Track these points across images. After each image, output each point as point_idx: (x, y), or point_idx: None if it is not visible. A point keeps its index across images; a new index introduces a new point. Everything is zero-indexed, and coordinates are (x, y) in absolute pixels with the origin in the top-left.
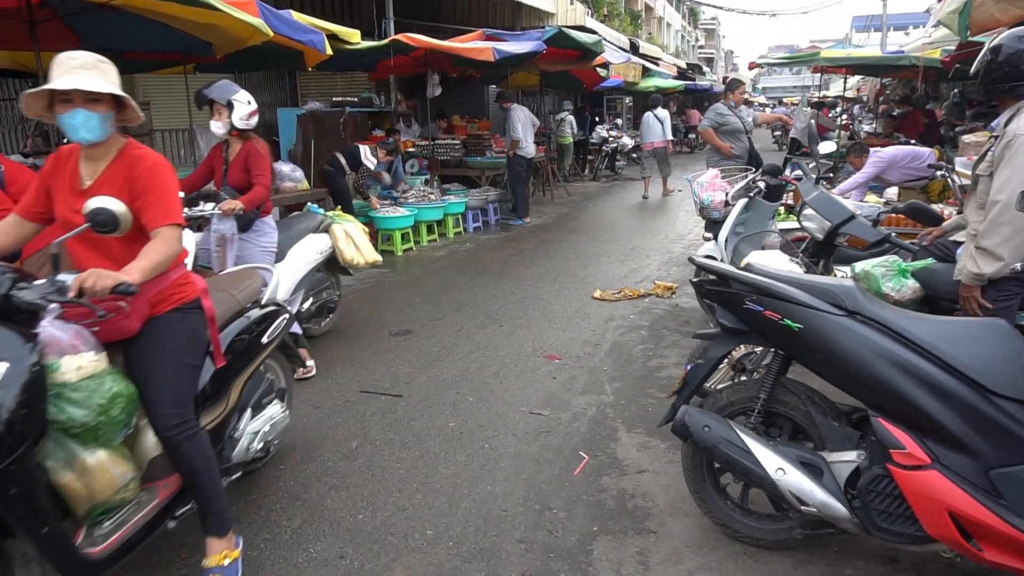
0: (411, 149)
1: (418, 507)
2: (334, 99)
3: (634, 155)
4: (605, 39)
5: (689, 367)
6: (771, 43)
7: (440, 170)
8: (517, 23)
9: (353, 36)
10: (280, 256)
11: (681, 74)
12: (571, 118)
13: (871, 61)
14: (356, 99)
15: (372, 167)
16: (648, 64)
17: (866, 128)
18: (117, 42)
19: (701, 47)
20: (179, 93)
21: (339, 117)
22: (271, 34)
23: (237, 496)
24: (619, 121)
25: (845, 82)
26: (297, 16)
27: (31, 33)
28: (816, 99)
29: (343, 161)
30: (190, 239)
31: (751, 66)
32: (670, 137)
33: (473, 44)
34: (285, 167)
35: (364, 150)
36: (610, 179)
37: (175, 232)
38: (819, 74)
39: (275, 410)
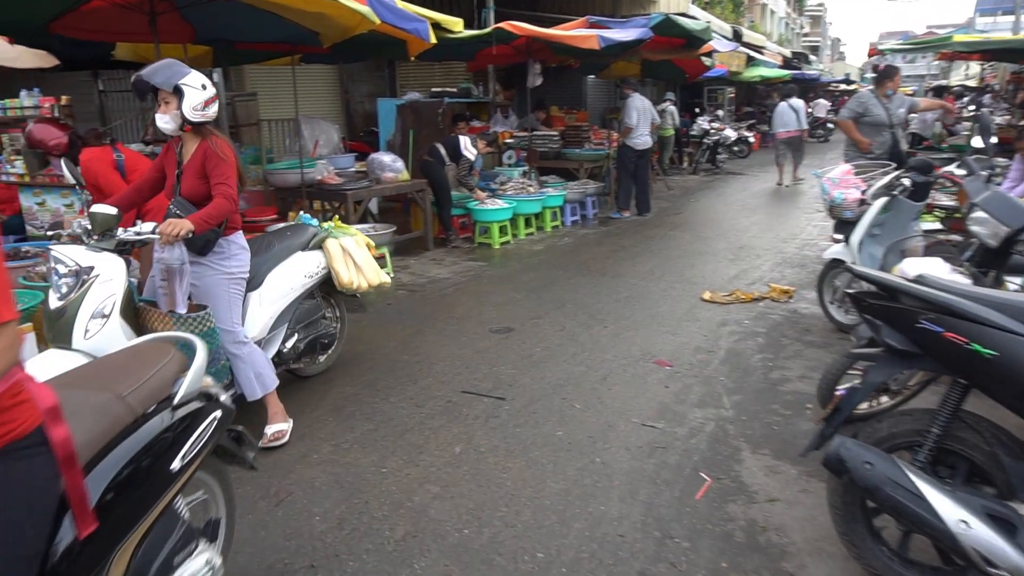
0: (509, 140)
1: (527, 525)
2: (432, 89)
3: (735, 148)
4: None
5: (843, 391)
6: (882, 29)
7: (537, 162)
8: (618, 10)
9: (456, 25)
10: (255, 283)
11: (786, 63)
12: (673, 109)
13: (1016, 44)
14: (455, 89)
15: (472, 158)
16: (752, 53)
17: (998, 120)
18: (230, 33)
19: (806, 35)
20: (284, 83)
21: (438, 108)
22: (378, 22)
23: (338, 490)
24: (720, 112)
25: (967, 70)
26: (401, 4)
27: (151, 25)
28: (933, 87)
29: (443, 152)
30: (119, 270)
31: (871, 52)
32: (804, 126)
33: (577, 32)
34: (386, 157)
35: (464, 141)
36: (710, 173)
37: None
38: (939, 62)
39: (197, 567)
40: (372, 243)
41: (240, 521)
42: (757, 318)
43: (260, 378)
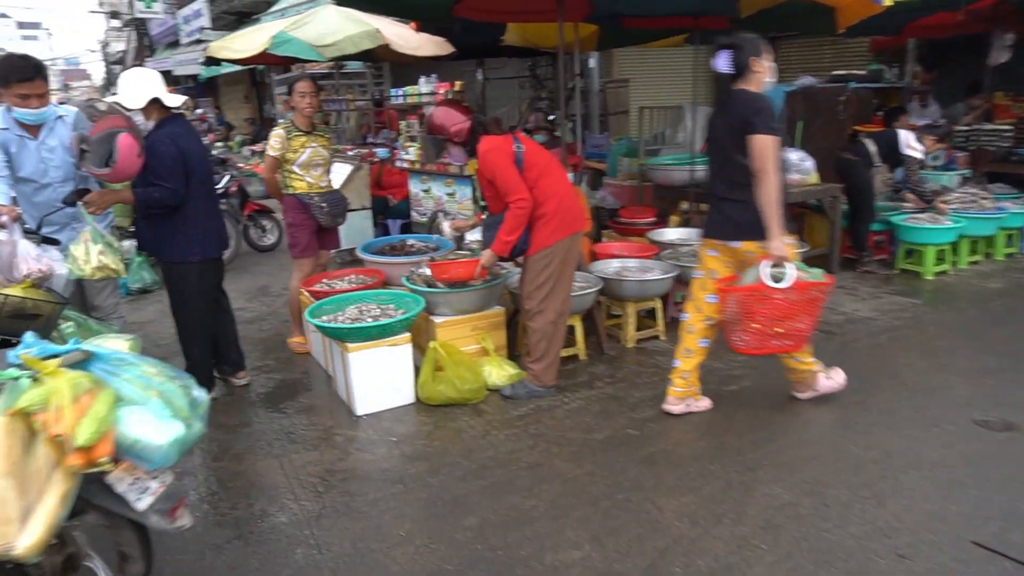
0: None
1: None
2: (834, 72)
3: None
4: None
5: None
6: None
7: (987, 166)
8: None
9: None
10: None
11: None
12: None
13: None
14: (863, 72)
15: (921, 157)
16: None
17: None
18: (628, 8)
19: None
20: (658, 69)
21: (839, 95)
22: None
23: None
24: None
25: None
26: None
27: (559, 1)
28: None
29: (872, 149)
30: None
31: None
32: None
33: None
34: (792, 154)
35: (907, 136)
36: None
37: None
38: None
39: None
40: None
41: None
42: None
43: None
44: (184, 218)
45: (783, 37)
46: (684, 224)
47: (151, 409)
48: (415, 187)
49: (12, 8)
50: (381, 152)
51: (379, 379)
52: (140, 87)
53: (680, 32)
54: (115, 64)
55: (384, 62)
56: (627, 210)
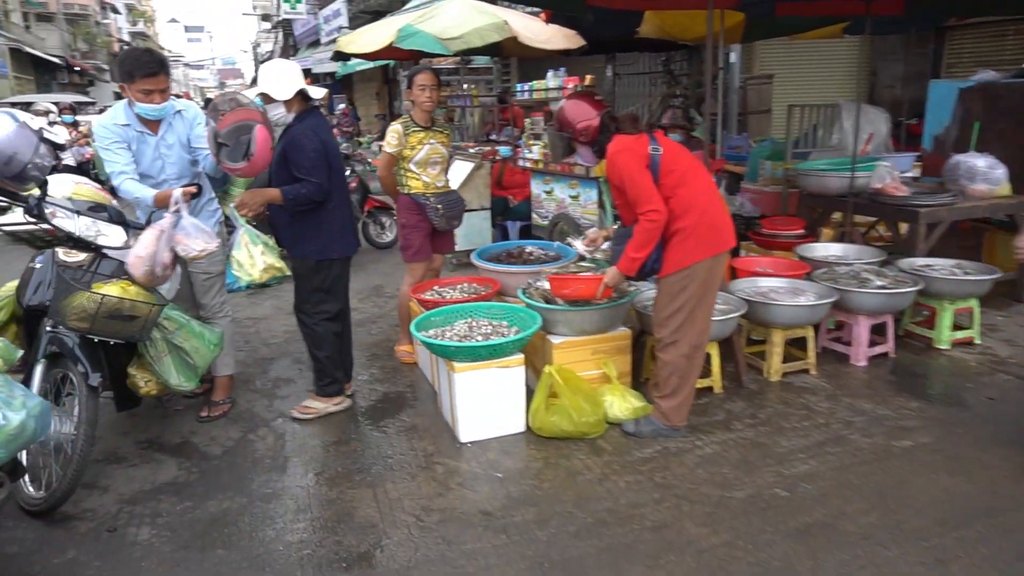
0: None
1: None
2: (1021, 66)
3: None
4: None
5: None
6: None
7: None
8: None
9: None
10: None
11: None
12: None
13: None
14: None
15: None
16: None
17: None
18: None
19: None
20: (806, 63)
21: None
22: None
23: None
24: None
25: None
26: None
27: None
28: None
29: None
30: None
31: None
32: None
33: None
34: (979, 160)
35: None
36: None
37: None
38: None
39: None
40: None
41: None
42: None
43: None
44: (325, 214)
45: (954, 27)
46: (839, 239)
47: None
48: (537, 188)
49: (181, 13)
50: (503, 150)
51: (487, 404)
52: (285, 78)
53: (841, 20)
54: (263, 63)
55: (510, 57)
56: (770, 220)
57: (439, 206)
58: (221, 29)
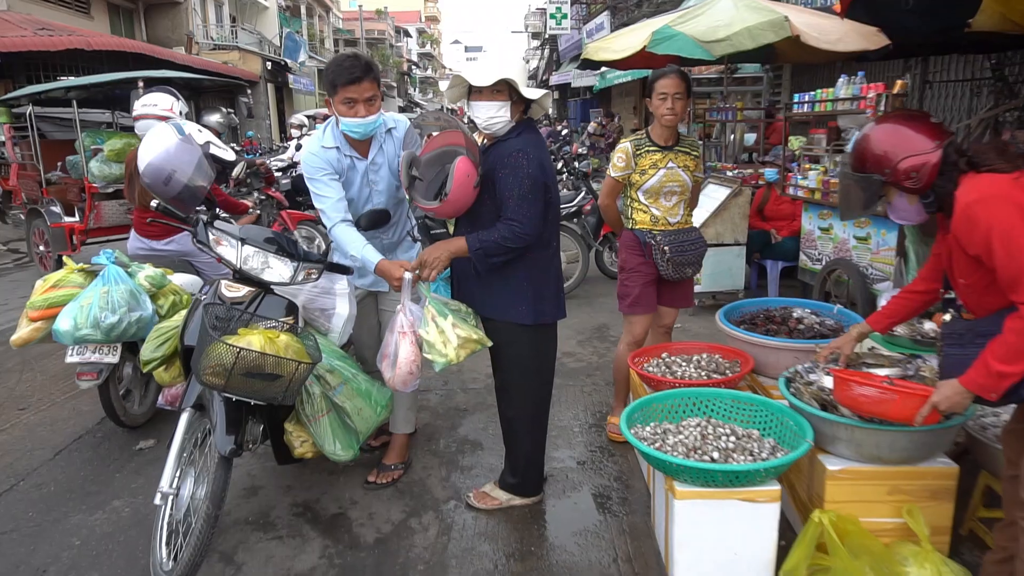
0: None
1: None
2: None
3: None
4: None
5: None
6: None
7: None
8: None
9: None
10: None
11: None
12: None
13: None
14: None
15: None
16: None
17: None
18: None
19: None
20: None
21: None
22: None
23: None
24: None
25: None
26: None
27: None
28: None
29: None
30: None
31: None
32: None
33: None
34: None
35: None
36: None
37: None
38: None
39: None
40: None
41: None
42: None
43: None
44: (540, 263)
45: None
46: None
47: None
48: (810, 223)
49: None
50: (769, 174)
51: (718, 548)
52: (495, 63)
53: None
54: (530, 79)
55: (783, 63)
56: None
57: (666, 247)
58: (498, 48)
